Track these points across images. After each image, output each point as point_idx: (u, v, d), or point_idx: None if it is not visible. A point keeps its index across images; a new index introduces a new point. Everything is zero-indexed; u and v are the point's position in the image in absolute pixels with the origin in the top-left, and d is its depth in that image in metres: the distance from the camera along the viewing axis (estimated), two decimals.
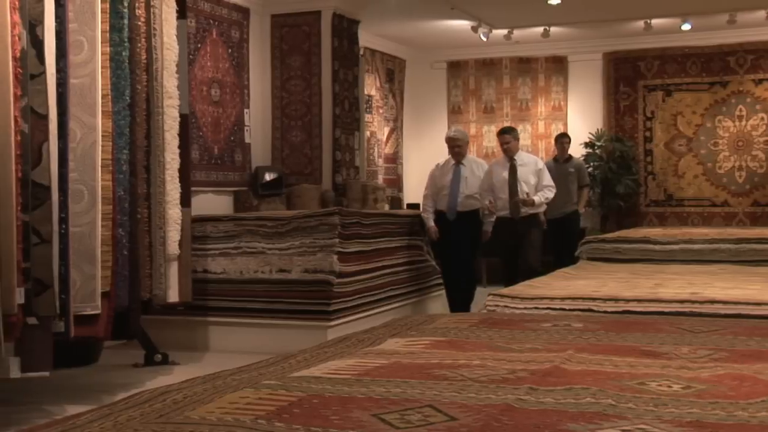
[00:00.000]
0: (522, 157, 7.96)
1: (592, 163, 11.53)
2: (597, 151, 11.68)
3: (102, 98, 4.81)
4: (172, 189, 5.51)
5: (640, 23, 10.95)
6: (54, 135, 4.44)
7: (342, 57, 9.25)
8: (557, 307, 4.58)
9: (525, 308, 4.63)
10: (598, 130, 11.84)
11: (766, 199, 11.56)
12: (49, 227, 4.35)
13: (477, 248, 8.04)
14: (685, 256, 6.99)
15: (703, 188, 11.80)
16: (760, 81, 11.54)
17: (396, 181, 12.41)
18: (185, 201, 5.67)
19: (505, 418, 2.15)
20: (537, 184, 7.77)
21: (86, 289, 4.70)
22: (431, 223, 7.88)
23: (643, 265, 6.73)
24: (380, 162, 11.98)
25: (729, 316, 4.21)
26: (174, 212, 5.52)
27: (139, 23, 5.19)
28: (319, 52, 9.08)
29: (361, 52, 10.42)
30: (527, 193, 7.66)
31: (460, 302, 7.77)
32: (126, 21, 5.01)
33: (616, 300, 4.62)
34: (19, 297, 4.16)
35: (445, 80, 12.82)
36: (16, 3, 4.15)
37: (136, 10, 5.15)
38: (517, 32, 11.35)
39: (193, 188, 6.24)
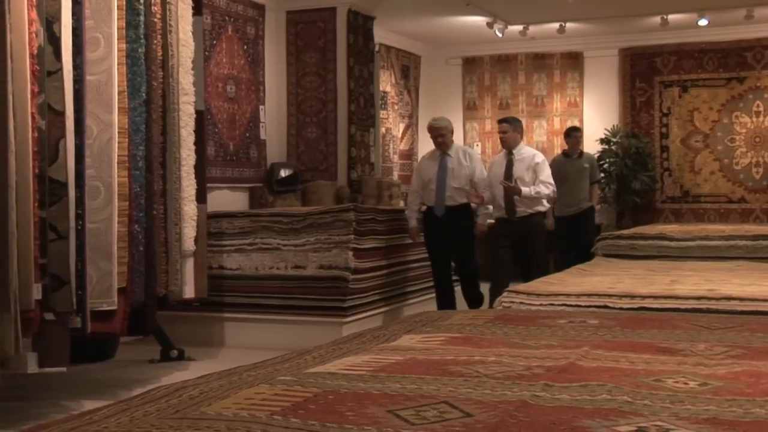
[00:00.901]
0: (521, 151, 7.38)
1: (607, 160, 11.49)
2: (613, 147, 11.63)
3: (118, 95, 4.83)
4: (188, 185, 5.53)
5: (657, 19, 10.89)
6: (71, 132, 4.46)
7: (357, 53, 9.24)
8: (573, 303, 4.56)
9: (540, 305, 4.61)
10: (613, 126, 11.79)
11: None
12: (66, 223, 4.37)
13: (472, 244, 7.41)
14: (701, 252, 6.95)
15: (719, 185, 11.73)
16: None
17: (411, 178, 12.38)
18: (201, 197, 5.69)
19: (521, 415, 2.14)
20: (533, 180, 7.22)
21: (103, 285, 4.73)
22: (413, 223, 7.36)
23: (659, 261, 6.70)
24: (395, 158, 11.97)
25: (746, 313, 4.19)
26: (190, 208, 5.54)
27: (155, 20, 5.21)
28: (335, 48, 9.08)
29: (377, 49, 10.41)
30: (505, 182, 7.11)
31: (450, 302, 7.33)
32: (142, 18, 5.03)
33: (631, 296, 4.60)
34: (37, 293, 4.18)
35: (460, 76, 12.80)
36: (34, 0, 4.17)
37: (152, 7, 5.17)
38: (532, 28, 11.32)
39: (208, 185, 6.26)
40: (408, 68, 12.35)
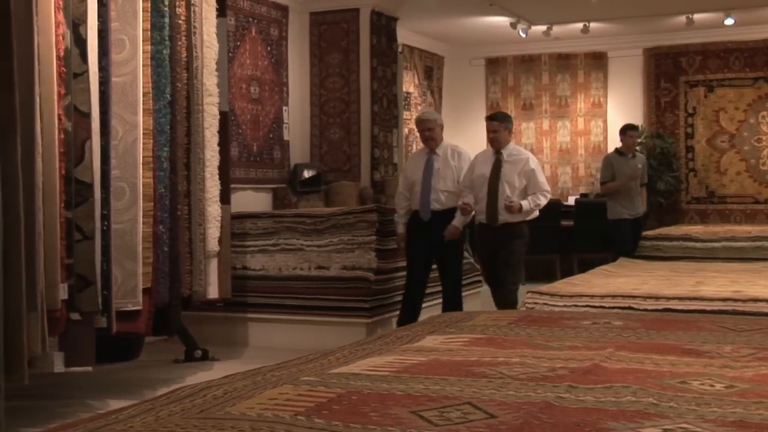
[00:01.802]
0: (511, 151, 6.42)
1: None
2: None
3: (143, 96, 4.86)
4: (212, 186, 5.55)
5: (682, 18, 10.82)
6: (96, 133, 4.49)
7: (380, 54, 9.25)
8: (597, 304, 4.54)
9: (564, 306, 4.60)
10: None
11: None
12: (92, 224, 4.41)
13: (460, 254, 6.71)
14: (727, 254, 6.91)
15: (745, 185, 11.63)
16: None
17: None
18: (225, 198, 5.72)
19: (545, 416, 2.13)
20: (525, 188, 6.32)
21: (128, 285, 4.76)
22: (400, 228, 6.62)
23: (684, 262, 6.66)
24: None
25: None
26: (214, 209, 5.56)
27: (180, 21, 5.24)
28: (358, 49, 9.09)
29: (400, 50, 10.41)
30: (509, 197, 6.25)
31: (412, 318, 6.17)
32: (167, 19, 5.06)
33: (656, 298, 4.58)
34: (63, 293, 4.22)
35: (483, 77, 12.77)
36: (60, 3, 4.21)
37: (177, 9, 5.19)
38: (556, 28, 11.28)
39: (232, 185, 6.28)
40: (431, 69, 12.34)
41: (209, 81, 5.52)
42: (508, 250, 6.35)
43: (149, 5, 4.93)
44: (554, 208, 11.05)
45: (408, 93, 11.60)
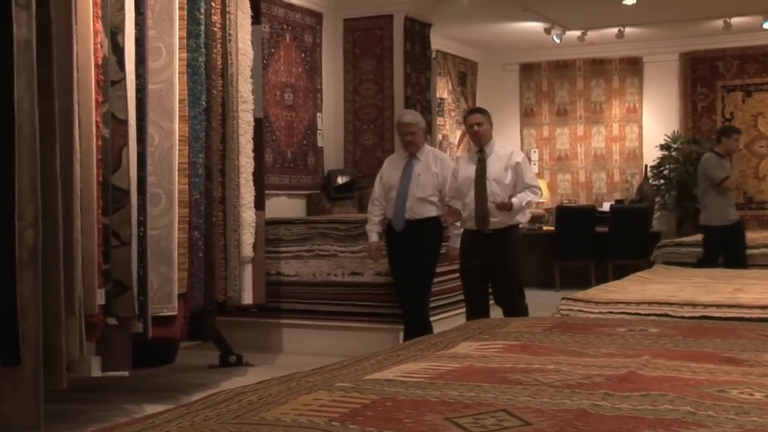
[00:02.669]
0: (494, 149, 5.93)
1: (667, 166, 11.32)
2: (673, 153, 11.45)
3: (179, 103, 4.91)
4: (247, 192, 5.59)
5: (719, 22, 10.70)
6: (133, 140, 4.55)
7: (414, 60, 9.25)
8: (632, 311, 4.50)
9: (599, 312, 4.57)
10: (674, 132, 11.61)
11: None
12: (129, 230, 4.45)
13: (430, 271, 6.13)
14: (765, 260, 6.82)
15: None
16: None
17: None
18: (259, 204, 5.75)
19: (581, 424, 2.12)
20: (514, 184, 5.81)
21: (163, 290, 4.80)
22: (373, 238, 6.17)
23: (722, 269, 6.58)
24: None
25: None
26: (248, 215, 5.60)
27: (215, 29, 5.28)
28: (391, 55, 9.09)
29: (433, 56, 10.41)
30: (496, 195, 5.73)
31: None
32: (203, 27, 5.10)
33: (693, 305, 4.53)
34: (100, 298, 4.27)
35: (517, 82, 12.73)
36: (99, 12, 4.27)
37: (213, 17, 5.24)
38: (590, 33, 11.21)
39: (266, 191, 6.32)
40: (465, 75, 12.32)
41: (244, 88, 5.56)
42: (504, 264, 5.83)
43: (185, 13, 4.98)
44: (589, 214, 11.01)
45: (442, 99, 11.60)
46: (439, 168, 6.06)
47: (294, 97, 8.57)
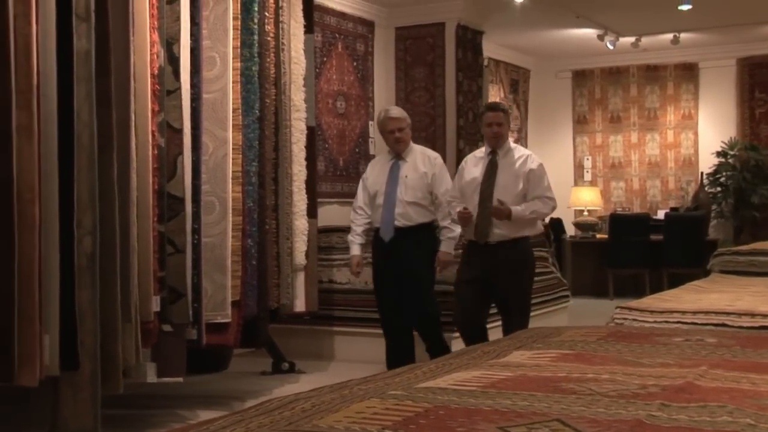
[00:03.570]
0: (508, 152, 5.23)
1: (724, 173, 11.14)
2: (730, 160, 11.27)
3: (233, 112, 4.96)
4: (299, 200, 5.62)
5: None
6: (188, 148, 4.61)
7: (466, 68, 9.24)
8: (689, 321, 4.44)
9: (655, 322, 4.51)
10: (731, 138, 11.42)
11: None
12: (183, 238, 4.51)
13: (430, 278, 5.56)
14: None
15: None
16: None
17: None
18: (312, 212, 5.78)
19: None
20: (525, 194, 5.13)
21: (217, 298, 4.85)
22: (355, 250, 5.63)
23: None
24: None
25: None
26: (301, 223, 5.63)
27: (269, 39, 5.33)
28: (443, 63, 9.09)
29: (485, 63, 10.39)
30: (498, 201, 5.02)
31: (404, 356, 5.29)
32: (256, 37, 5.15)
33: (752, 315, 4.44)
34: (156, 305, 4.32)
35: (570, 89, 12.63)
36: (155, 23, 4.34)
37: (266, 26, 5.29)
38: (645, 39, 11.09)
39: (319, 199, 6.35)
40: (517, 82, 12.27)
41: (297, 96, 5.60)
42: (512, 285, 5.12)
43: (239, 23, 5.03)
44: (643, 221, 10.87)
45: None
46: (428, 167, 5.44)
47: (346, 106, 8.61)
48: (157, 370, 4.45)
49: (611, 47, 10.96)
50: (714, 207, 11.19)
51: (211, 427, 2.25)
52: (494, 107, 5.37)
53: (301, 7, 5.67)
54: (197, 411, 4.91)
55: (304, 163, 5.68)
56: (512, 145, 5.31)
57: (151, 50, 4.30)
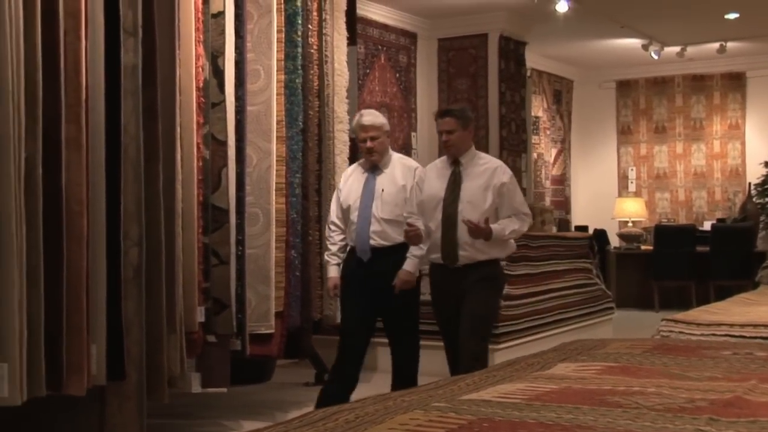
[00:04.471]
0: (474, 160, 4.57)
1: None
2: None
3: (276, 124, 5.00)
4: None
5: None
6: (232, 160, 4.64)
7: (509, 79, 9.22)
8: (737, 334, 4.37)
9: (701, 334, 4.45)
10: None
11: None
12: (228, 249, 4.54)
13: (414, 307, 4.88)
14: None
15: None
16: None
17: (564, 203, 12.22)
18: None
19: None
20: (496, 209, 4.49)
21: (261, 308, 4.87)
22: (332, 272, 4.89)
23: None
24: (547, 184, 11.83)
25: None
26: None
27: (312, 51, 5.37)
28: (486, 74, 9.09)
29: (528, 74, 10.36)
30: (485, 220, 4.37)
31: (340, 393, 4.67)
32: (300, 49, 5.19)
33: None
34: (200, 315, 4.35)
35: (614, 100, 12.54)
36: (201, 36, 4.39)
37: (310, 39, 5.33)
38: (690, 49, 10.98)
39: None
40: (560, 93, 12.21)
41: (340, 108, 5.63)
42: (474, 297, 4.46)
43: (283, 36, 5.08)
44: (689, 233, 10.73)
45: (537, 117, 11.51)
46: (408, 179, 4.78)
47: (389, 117, 8.63)
48: (202, 381, 4.47)
49: (656, 57, 10.87)
50: (762, 218, 11.03)
51: None
52: (442, 113, 4.67)
53: (344, 19, 5.70)
54: (241, 421, 4.94)
55: None
56: (476, 153, 4.62)
57: (196, 63, 4.35)
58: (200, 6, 4.40)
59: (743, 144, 11.67)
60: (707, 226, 11.03)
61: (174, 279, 4.09)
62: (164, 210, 4.01)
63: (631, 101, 12.45)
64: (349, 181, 4.94)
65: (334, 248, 4.90)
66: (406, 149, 8.88)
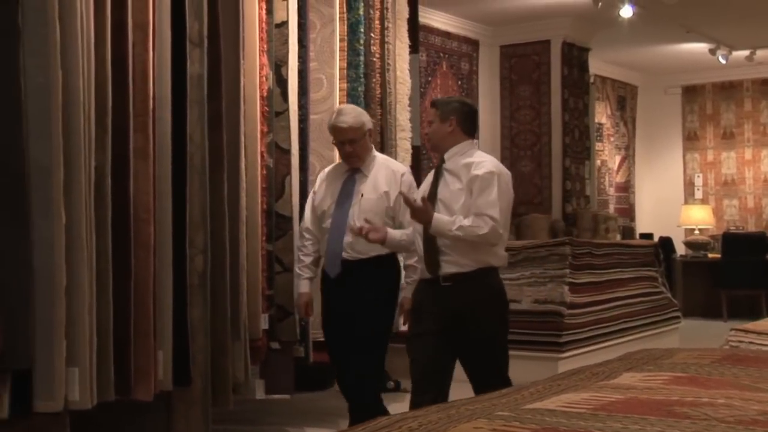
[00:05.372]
0: (461, 158, 3.78)
1: None
2: None
3: None
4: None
5: None
6: (296, 168, 4.69)
7: (572, 85, 9.15)
8: None
9: None
10: None
11: None
12: (291, 256, 4.57)
13: (384, 334, 4.32)
14: None
15: None
16: None
17: (628, 211, 12.06)
18: None
19: None
20: (468, 206, 3.67)
21: None
22: (302, 287, 4.29)
23: None
24: (611, 191, 11.69)
25: None
26: None
27: (374, 59, 5.39)
28: (549, 81, 9.03)
29: (591, 80, 10.26)
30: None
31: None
32: (362, 58, 5.22)
33: None
34: (264, 323, 4.39)
35: (679, 105, 12.35)
36: (265, 46, 4.44)
37: (372, 47, 5.36)
38: (759, 53, 10.75)
39: None
40: (624, 99, 12.07)
41: (402, 116, 5.65)
42: (475, 322, 3.80)
43: (346, 45, 5.11)
44: (759, 240, 10.49)
45: (600, 124, 11.39)
46: (391, 186, 4.14)
47: None
48: (266, 387, 4.51)
49: (724, 61, 10.67)
50: None
51: None
52: (431, 103, 4.10)
53: (406, 27, 5.72)
54: (305, 428, 4.96)
55: None
56: (467, 150, 3.83)
57: (260, 73, 4.41)
58: (264, 16, 4.45)
59: None
60: None
61: (238, 286, 4.14)
62: (229, 218, 4.06)
63: (698, 107, 12.24)
64: (324, 183, 4.30)
65: (307, 260, 4.27)
66: None
